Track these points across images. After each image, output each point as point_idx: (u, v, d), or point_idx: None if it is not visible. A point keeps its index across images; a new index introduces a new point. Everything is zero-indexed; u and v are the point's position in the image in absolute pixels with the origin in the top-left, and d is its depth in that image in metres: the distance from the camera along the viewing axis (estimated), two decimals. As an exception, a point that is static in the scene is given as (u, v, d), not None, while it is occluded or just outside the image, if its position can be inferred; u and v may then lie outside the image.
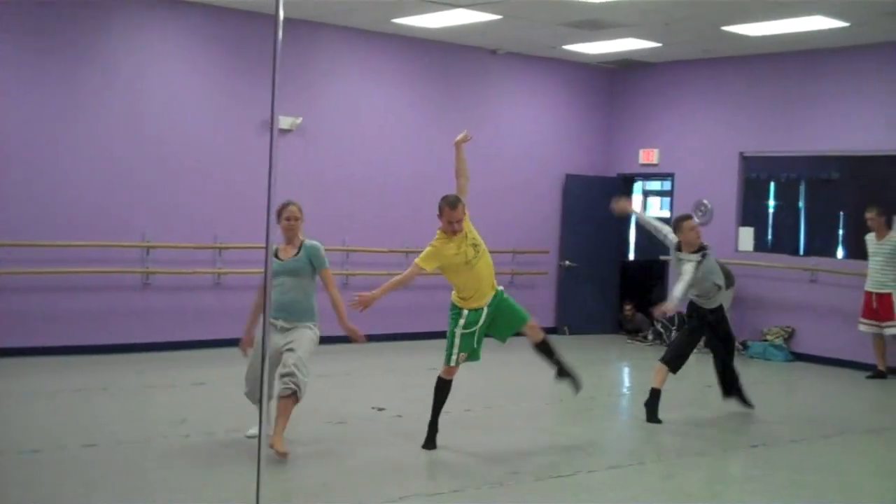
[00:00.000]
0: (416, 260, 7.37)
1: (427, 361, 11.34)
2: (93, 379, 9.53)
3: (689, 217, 8.79)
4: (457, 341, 7.36)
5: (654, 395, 8.56)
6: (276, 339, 6.91)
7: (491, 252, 13.97)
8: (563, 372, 7.84)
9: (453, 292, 7.54)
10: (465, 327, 7.36)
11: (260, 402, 4.62)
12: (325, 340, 6.79)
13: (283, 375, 6.82)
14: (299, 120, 11.87)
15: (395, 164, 12.79)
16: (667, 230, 8.75)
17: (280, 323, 7.00)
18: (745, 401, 9.00)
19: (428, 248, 7.34)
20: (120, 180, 10.93)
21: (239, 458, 6.70)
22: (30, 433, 7.30)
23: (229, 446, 7.13)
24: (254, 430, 6.75)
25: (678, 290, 8.36)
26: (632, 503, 6.36)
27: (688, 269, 8.35)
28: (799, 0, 9.89)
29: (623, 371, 11.79)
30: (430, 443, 7.31)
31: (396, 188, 12.78)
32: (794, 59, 12.68)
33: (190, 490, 6.09)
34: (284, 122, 11.68)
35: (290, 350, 6.89)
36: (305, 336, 7.01)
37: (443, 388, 7.41)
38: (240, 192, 11.43)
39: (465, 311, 7.39)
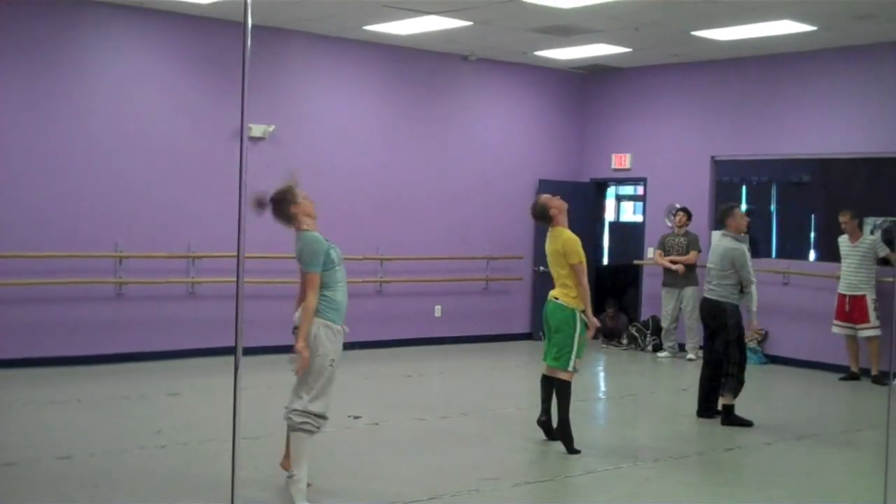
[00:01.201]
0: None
1: (402, 369, 11.35)
2: (66, 390, 9.46)
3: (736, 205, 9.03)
4: (575, 346, 7.48)
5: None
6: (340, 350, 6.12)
7: (464, 259, 14.09)
8: (565, 432, 7.64)
9: (564, 293, 7.52)
10: (582, 332, 7.51)
11: (234, 418, 4.58)
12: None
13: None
14: (272, 128, 11.84)
15: (368, 170, 12.78)
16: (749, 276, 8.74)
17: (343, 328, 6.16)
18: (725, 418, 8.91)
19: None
20: (92, 190, 10.86)
21: (214, 469, 6.66)
22: (2, 446, 7.23)
23: (205, 457, 7.09)
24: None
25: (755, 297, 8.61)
26: (608, 507, 6.38)
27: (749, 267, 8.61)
28: (767, 3, 9.96)
29: (598, 376, 11.81)
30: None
31: (369, 194, 12.77)
32: (763, 63, 12.77)
33: (165, 501, 6.05)
34: (257, 129, 11.65)
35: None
36: None
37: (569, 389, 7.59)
38: (213, 200, 11.38)
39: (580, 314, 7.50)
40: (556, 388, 7.64)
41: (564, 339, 7.49)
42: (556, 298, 7.54)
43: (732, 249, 8.63)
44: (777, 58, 12.60)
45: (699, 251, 12.59)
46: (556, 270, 7.57)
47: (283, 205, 6.18)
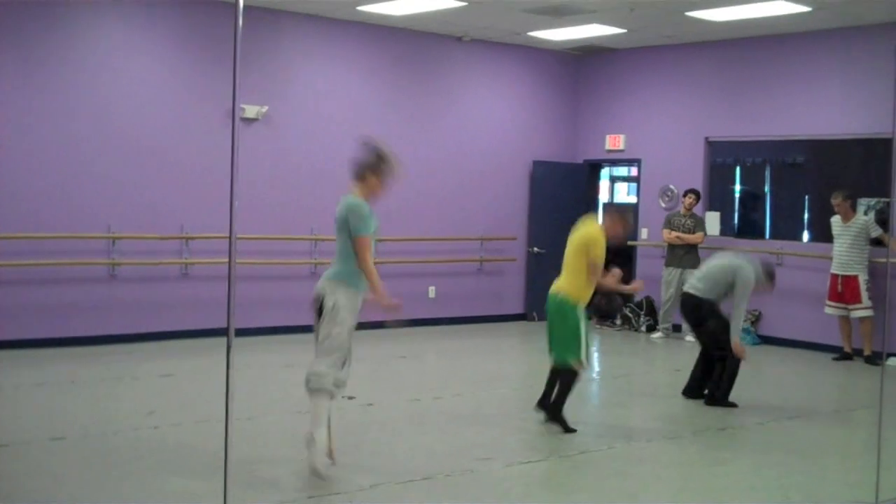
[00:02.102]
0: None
1: (396, 349, 11.36)
2: (59, 372, 9.46)
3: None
4: (583, 338, 7.53)
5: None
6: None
7: (458, 240, 14.08)
8: (556, 416, 7.70)
9: (569, 283, 7.61)
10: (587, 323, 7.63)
11: (227, 398, 4.58)
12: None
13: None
14: (265, 109, 11.80)
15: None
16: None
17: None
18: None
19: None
20: (84, 171, 10.83)
21: (207, 450, 6.66)
22: (-5, 427, 7.25)
23: (198, 437, 7.10)
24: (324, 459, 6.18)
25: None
26: (601, 486, 6.39)
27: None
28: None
29: (592, 356, 11.80)
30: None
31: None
32: (757, 44, 12.75)
33: (159, 481, 6.06)
34: (250, 110, 11.62)
35: None
36: None
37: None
38: (206, 181, 11.35)
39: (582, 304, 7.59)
40: (560, 376, 7.66)
41: (567, 333, 7.54)
42: (560, 292, 7.57)
43: (745, 271, 8.58)
44: (771, 39, 12.57)
45: (705, 233, 12.61)
46: (572, 260, 7.58)
47: (377, 164, 6.46)
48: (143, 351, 10.70)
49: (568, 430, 7.52)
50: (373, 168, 6.34)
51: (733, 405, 8.65)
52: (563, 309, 7.55)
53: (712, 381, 8.78)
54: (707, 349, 8.85)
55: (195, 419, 7.60)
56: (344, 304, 6.12)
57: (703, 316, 8.75)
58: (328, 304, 6.12)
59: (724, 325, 8.66)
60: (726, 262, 8.79)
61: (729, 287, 8.60)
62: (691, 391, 8.91)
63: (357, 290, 6.20)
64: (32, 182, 10.53)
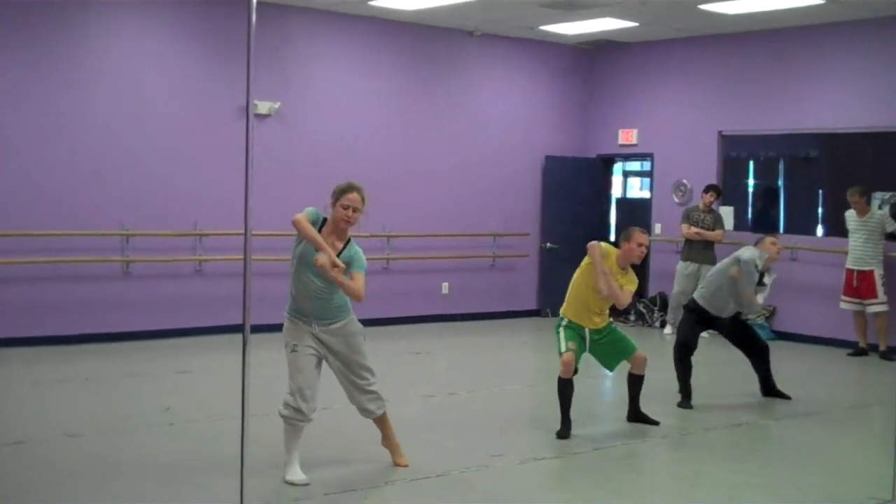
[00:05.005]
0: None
1: (409, 346, 11.36)
2: (74, 369, 9.49)
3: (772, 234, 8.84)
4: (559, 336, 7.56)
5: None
6: (314, 346, 6.08)
7: (471, 236, 14.05)
8: (637, 414, 7.86)
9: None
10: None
11: (243, 395, 4.58)
12: (277, 329, 6.42)
13: (365, 392, 6.24)
14: (277, 105, 11.81)
15: (374, 147, 12.75)
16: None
17: (314, 327, 6.08)
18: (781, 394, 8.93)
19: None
20: (98, 169, 10.85)
21: (223, 447, 6.67)
22: (11, 424, 7.26)
23: (214, 434, 7.11)
24: (298, 475, 6.01)
25: (762, 298, 8.52)
26: (615, 483, 6.38)
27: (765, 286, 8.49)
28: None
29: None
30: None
31: (374, 171, 12.72)
32: (771, 37, 12.70)
33: (175, 478, 6.07)
34: (262, 107, 11.62)
35: (355, 362, 6.18)
36: (358, 338, 6.20)
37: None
38: (219, 178, 11.37)
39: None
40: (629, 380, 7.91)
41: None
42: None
43: (746, 251, 8.51)
44: (785, 31, 12.52)
45: (724, 230, 12.54)
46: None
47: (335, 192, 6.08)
48: (159, 348, 10.72)
49: (652, 422, 7.74)
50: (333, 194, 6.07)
51: (788, 397, 8.80)
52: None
53: (761, 373, 8.85)
54: (743, 349, 8.85)
55: (211, 416, 7.61)
56: (284, 330, 6.12)
57: (711, 321, 8.71)
58: None
59: (741, 322, 8.66)
60: (727, 259, 8.72)
61: (733, 281, 8.49)
62: (689, 398, 8.62)
63: (288, 315, 6.13)
64: (47, 179, 10.55)
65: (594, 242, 7.48)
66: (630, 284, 7.44)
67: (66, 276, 10.69)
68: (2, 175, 10.35)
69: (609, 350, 7.65)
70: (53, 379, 9.01)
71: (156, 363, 9.90)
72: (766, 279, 8.58)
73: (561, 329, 7.52)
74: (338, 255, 5.90)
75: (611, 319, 7.73)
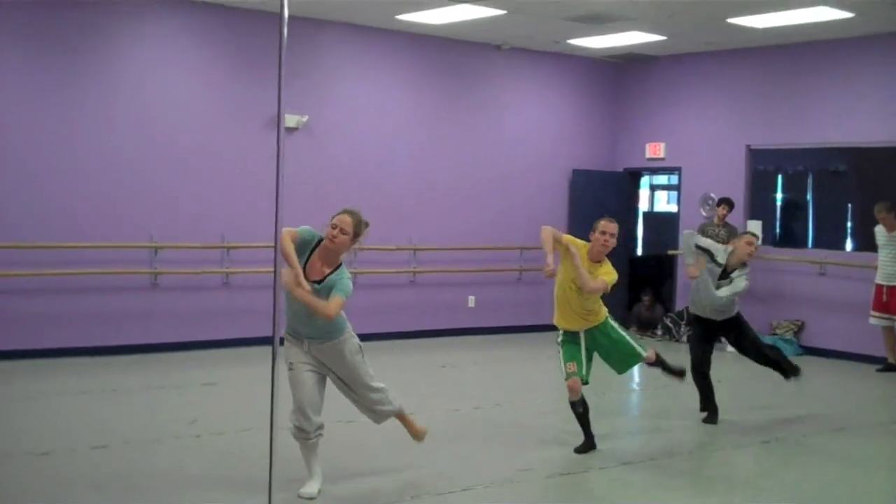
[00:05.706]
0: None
1: (435, 359, 11.34)
2: (101, 380, 9.53)
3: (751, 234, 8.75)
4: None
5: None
6: (312, 363, 6.06)
7: (498, 249, 14.00)
8: (672, 371, 8.10)
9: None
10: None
11: (272, 408, 4.59)
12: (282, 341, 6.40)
13: (370, 410, 6.38)
14: (305, 118, 11.86)
15: (401, 160, 12.77)
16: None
17: (306, 346, 6.04)
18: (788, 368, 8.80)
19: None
20: (127, 181, 10.92)
21: (250, 460, 6.68)
22: (39, 435, 7.30)
23: (241, 446, 7.12)
24: (308, 489, 6.01)
25: (726, 292, 8.34)
26: (642, 499, 6.34)
27: (742, 284, 8.38)
28: (804, -9, 9.86)
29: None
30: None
31: (403, 185, 12.77)
32: (799, 51, 12.64)
33: (201, 491, 6.08)
34: (290, 120, 11.67)
35: (353, 381, 6.21)
36: (355, 358, 6.16)
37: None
38: (247, 191, 11.42)
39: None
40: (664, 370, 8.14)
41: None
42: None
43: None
44: (813, 45, 12.46)
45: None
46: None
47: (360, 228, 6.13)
48: (186, 360, 10.76)
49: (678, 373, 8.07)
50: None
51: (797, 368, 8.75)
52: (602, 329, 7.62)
53: (773, 367, 8.76)
54: (756, 358, 8.77)
55: (238, 428, 7.62)
56: (283, 348, 6.05)
57: (714, 331, 8.65)
58: None
59: (752, 334, 8.64)
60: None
61: (703, 276, 8.49)
62: (715, 414, 8.53)
63: (285, 333, 6.10)
64: (75, 192, 10.63)
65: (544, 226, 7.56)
66: (606, 276, 7.44)
67: (95, 288, 10.76)
68: (33, 188, 10.41)
69: (612, 350, 7.59)
70: (80, 390, 9.05)
71: (183, 375, 9.93)
72: (735, 275, 8.49)
73: (559, 346, 7.54)
74: (322, 279, 5.86)
75: (609, 318, 7.69)
